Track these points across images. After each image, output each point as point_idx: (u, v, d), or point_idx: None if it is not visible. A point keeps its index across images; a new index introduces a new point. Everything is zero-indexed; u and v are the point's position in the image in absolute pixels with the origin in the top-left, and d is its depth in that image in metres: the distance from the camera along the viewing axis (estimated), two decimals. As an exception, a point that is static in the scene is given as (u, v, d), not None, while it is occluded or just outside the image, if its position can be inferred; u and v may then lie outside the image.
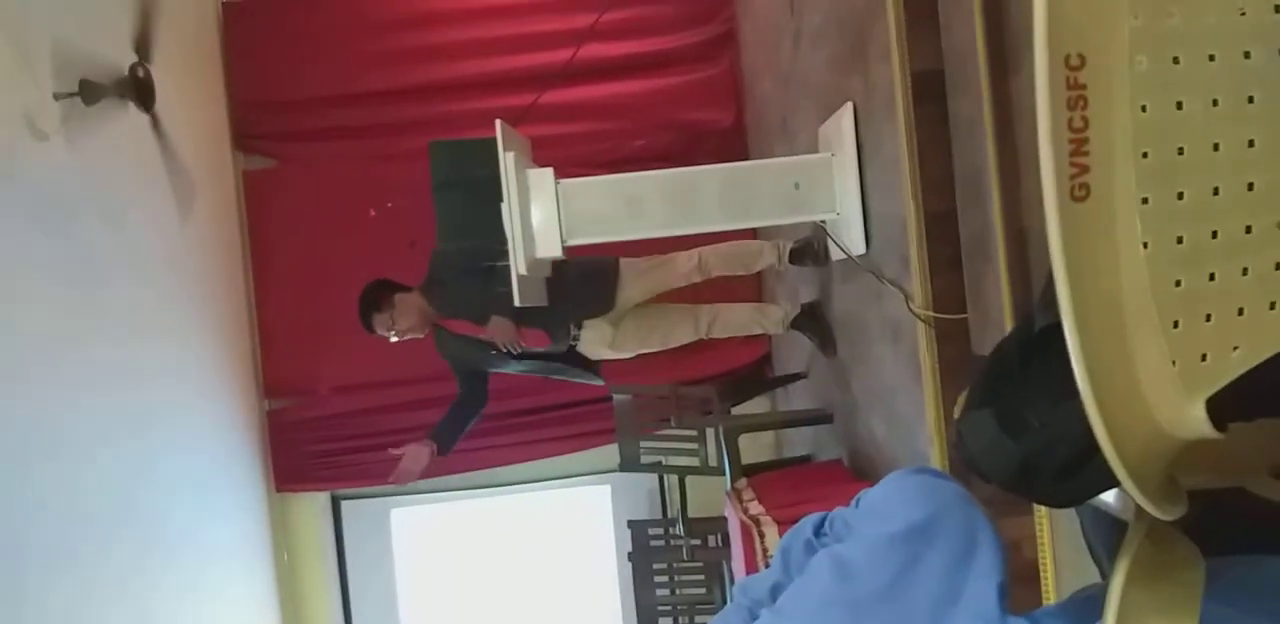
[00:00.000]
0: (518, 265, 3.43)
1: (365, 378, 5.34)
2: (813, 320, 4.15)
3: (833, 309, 4.06)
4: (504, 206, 3.42)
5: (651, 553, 5.13)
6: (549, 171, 3.51)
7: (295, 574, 5.56)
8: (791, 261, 4.18)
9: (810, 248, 4.09)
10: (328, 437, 5.44)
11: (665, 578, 5.11)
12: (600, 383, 4.38)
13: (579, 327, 4.02)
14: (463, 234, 3.62)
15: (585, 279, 4.00)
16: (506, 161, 3.38)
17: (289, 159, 5.50)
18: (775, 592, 1.12)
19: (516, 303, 3.51)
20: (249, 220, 5.44)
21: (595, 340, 4.06)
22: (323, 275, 5.33)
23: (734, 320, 4.28)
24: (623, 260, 4.07)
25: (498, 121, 3.40)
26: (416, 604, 5.82)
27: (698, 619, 5.00)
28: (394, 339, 3.97)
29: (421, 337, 4.01)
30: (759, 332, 4.46)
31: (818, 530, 1.14)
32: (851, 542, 1.04)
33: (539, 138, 3.97)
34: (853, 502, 1.12)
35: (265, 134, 5.46)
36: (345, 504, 5.64)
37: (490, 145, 3.42)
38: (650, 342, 4.21)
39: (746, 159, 5.28)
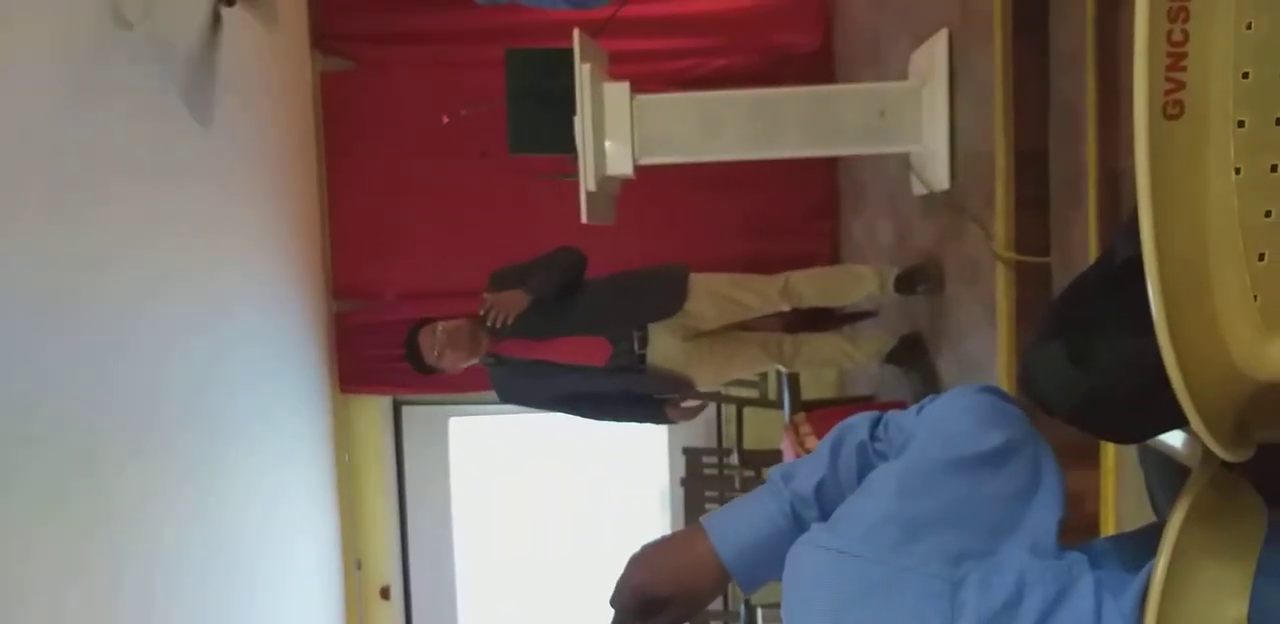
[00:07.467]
0: (587, 182, 3.39)
1: (432, 286, 5.35)
2: (912, 354, 3.80)
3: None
4: (576, 119, 3.37)
5: (704, 481, 5.17)
6: (625, 85, 3.44)
7: (355, 474, 5.69)
8: (898, 290, 3.73)
9: (923, 273, 3.69)
10: (392, 342, 5.47)
11: (716, 506, 5.12)
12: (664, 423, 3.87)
13: (642, 329, 3.51)
14: (533, 145, 3.58)
15: (651, 280, 3.61)
16: (582, 73, 3.33)
17: (367, 62, 5.47)
18: (820, 489, 1.10)
19: (584, 220, 3.48)
20: (325, 122, 5.44)
21: (663, 355, 3.53)
22: (396, 181, 5.34)
23: (819, 353, 3.84)
24: (695, 274, 3.61)
25: (575, 31, 3.34)
26: (469, 511, 5.94)
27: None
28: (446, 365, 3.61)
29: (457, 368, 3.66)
30: (849, 366, 4.16)
31: (873, 432, 1.11)
32: (913, 456, 1.01)
33: (617, 52, 3.88)
34: (914, 408, 1.09)
35: (344, 35, 5.42)
36: (405, 409, 5.74)
37: (568, 56, 3.36)
38: (729, 371, 3.82)
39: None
